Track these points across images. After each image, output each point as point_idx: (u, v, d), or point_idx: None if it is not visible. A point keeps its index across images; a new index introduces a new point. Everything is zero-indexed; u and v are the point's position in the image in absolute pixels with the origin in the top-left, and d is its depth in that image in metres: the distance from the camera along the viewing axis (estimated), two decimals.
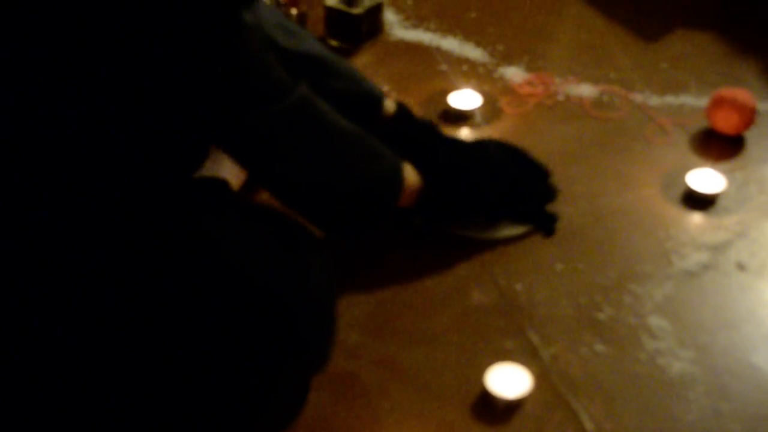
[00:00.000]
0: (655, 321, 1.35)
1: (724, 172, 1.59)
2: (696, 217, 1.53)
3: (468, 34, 2.01)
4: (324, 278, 1.17)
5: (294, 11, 1.85)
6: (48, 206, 0.99)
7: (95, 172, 1.01)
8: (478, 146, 1.52)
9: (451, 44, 1.98)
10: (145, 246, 1.03)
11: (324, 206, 1.24)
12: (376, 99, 1.49)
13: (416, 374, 1.28)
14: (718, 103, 1.68)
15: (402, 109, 1.51)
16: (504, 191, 1.45)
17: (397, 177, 1.29)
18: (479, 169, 1.45)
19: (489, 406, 1.23)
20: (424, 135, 1.48)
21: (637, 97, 1.81)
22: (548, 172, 1.55)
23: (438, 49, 1.97)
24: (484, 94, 1.79)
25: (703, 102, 1.77)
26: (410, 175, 1.33)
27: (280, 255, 1.12)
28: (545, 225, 1.51)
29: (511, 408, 1.23)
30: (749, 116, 1.67)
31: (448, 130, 1.72)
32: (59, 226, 1.00)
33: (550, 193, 1.54)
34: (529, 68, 1.90)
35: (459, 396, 1.25)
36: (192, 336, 1.03)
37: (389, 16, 2.06)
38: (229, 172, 1.41)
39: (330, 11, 1.93)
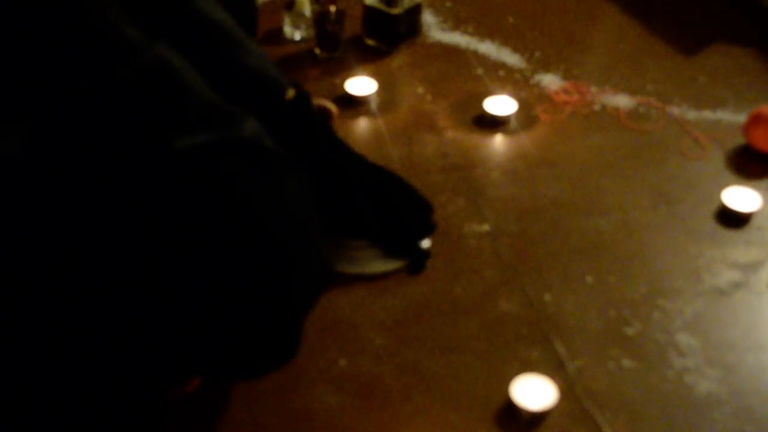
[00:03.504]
0: (683, 338, 1.34)
1: (760, 190, 1.57)
2: (729, 235, 1.52)
3: (505, 39, 2.01)
4: (298, 196, 1.10)
5: (333, 8, 1.84)
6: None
7: None
8: (366, 165, 1.47)
9: (488, 49, 1.98)
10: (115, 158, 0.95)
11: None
12: (282, 85, 1.36)
13: (440, 381, 1.28)
14: (756, 120, 1.67)
15: (302, 95, 1.38)
16: (375, 214, 1.42)
17: None
18: (355, 183, 1.41)
19: (512, 417, 1.23)
20: (315, 131, 1.40)
21: (674, 111, 1.80)
22: (430, 207, 1.50)
23: (475, 53, 1.96)
24: (520, 100, 1.79)
25: (740, 118, 1.75)
26: None
27: (251, 172, 1.04)
28: (416, 261, 1.45)
29: (535, 420, 1.22)
30: None
31: (484, 135, 1.72)
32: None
33: (426, 228, 1.49)
34: (566, 76, 1.89)
35: (483, 405, 1.24)
36: (166, 257, 0.97)
37: (427, 18, 2.05)
38: None
39: (368, 10, 1.92)
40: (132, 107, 0.95)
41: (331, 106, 1.59)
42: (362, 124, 1.75)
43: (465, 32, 2.03)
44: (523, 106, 1.78)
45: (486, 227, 1.52)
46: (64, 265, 0.95)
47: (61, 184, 0.94)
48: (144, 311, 0.99)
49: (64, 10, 0.89)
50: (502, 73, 1.90)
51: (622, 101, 1.83)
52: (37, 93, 0.92)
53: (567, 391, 1.26)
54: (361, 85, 1.80)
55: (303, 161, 1.19)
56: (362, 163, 1.49)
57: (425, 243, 1.47)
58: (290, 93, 1.36)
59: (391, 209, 1.45)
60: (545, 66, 1.92)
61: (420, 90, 1.84)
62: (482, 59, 1.94)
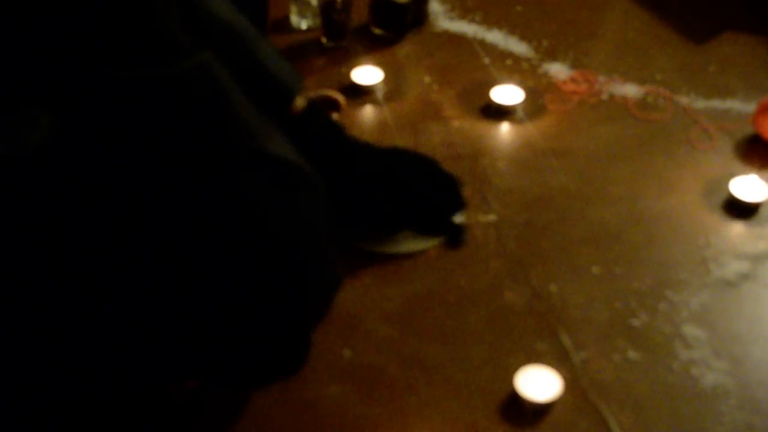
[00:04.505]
0: (690, 330, 1.33)
1: None
2: (737, 226, 1.51)
3: (513, 28, 1.99)
4: (312, 207, 1.08)
5: None
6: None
7: None
8: (385, 154, 1.47)
9: (495, 37, 1.96)
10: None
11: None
12: (291, 88, 1.34)
13: (444, 372, 1.27)
14: (765, 109, 1.65)
15: (312, 105, 1.38)
16: (406, 203, 1.43)
17: None
18: (380, 179, 1.41)
19: (517, 409, 1.22)
20: (331, 137, 1.41)
21: (683, 100, 1.78)
22: (458, 182, 1.51)
23: (482, 42, 1.95)
24: (527, 89, 1.78)
25: (750, 107, 1.74)
26: None
27: (269, 184, 1.02)
28: (452, 237, 1.47)
29: (540, 411, 1.22)
30: None
31: (490, 125, 1.71)
32: None
33: (456, 204, 1.50)
34: (574, 65, 1.88)
35: (487, 396, 1.24)
36: (181, 259, 0.96)
37: (434, 7, 2.04)
38: None
39: (376, 0, 1.91)
40: (169, 109, 0.92)
41: (339, 97, 1.59)
42: (368, 114, 1.74)
43: (472, 21, 2.01)
44: (531, 95, 1.77)
45: (492, 217, 1.51)
46: (75, 262, 0.94)
47: (81, 181, 0.92)
48: (155, 315, 0.99)
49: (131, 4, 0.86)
50: (509, 62, 1.89)
51: (631, 90, 1.81)
52: (70, 79, 0.88)
53: (572, 382, 1.25)
54: (367, 74, 1.79)
55: (318, 170, 1.15)
56: (382, 154, 1.48)
57: (458, 218, 1.49)
58: (299, 102, 1.35)
59: (419, 194, 1.45)
60: (553, 55, 1.91)
61: (426, 79, 1.83)
62: (489, 48, 1.93)
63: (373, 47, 1.92)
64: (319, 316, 1.15)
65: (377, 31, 1.94)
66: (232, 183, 0.98)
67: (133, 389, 1.10)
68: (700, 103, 1.78)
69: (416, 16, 1.95)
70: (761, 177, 1.56)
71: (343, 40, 1.91)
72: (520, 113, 1.74)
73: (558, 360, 1.28)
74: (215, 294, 0.99)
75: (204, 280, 0.98)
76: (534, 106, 1.76)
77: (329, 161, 1.35)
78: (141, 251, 0.95)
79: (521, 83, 1.79)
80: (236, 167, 0.98)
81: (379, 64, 1.84)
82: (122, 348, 1.01)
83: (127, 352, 1.01)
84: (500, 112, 1.74)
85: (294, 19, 1.96)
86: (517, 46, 1.94)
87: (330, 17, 1.87)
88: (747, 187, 1.53)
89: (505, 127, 1.71)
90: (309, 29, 1.95)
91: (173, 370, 1.10)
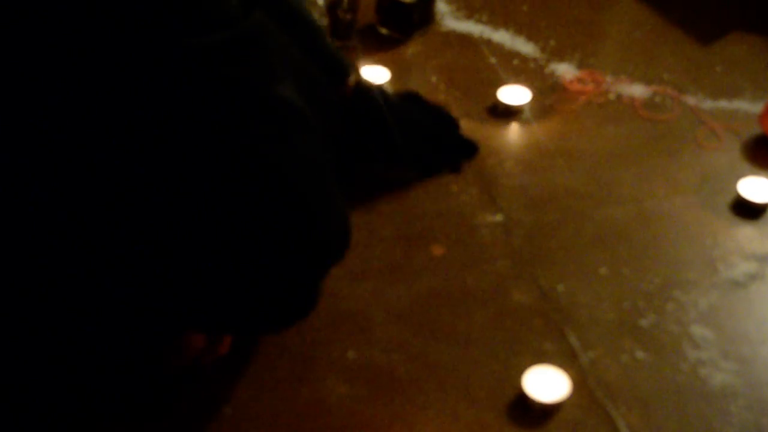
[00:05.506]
0: (698, 330, 1.33)
1: None
2: (745, 226, 1.50)
3: (519, 27, 1.99)
4: (311, 152, 1.09)
5: None
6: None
7: None
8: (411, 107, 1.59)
9: (502, 37, 1.96)
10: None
11: None
12: (347, 66, 1.42)
13: (452, 372, 1.27)
14: None
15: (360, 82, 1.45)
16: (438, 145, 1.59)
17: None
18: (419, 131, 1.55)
19: (525, 409, 1.22)
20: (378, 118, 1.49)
21: (690, 100, 1.78)
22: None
23: (489, 41, 1.95)
24: (534, 89, 1.77)
25: (757, 108, 1.73)
26: None
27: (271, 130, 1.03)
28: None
29: (547, 412, 1.21)
30: None
31: (497, 125, 1.71)
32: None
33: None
34: (581, 65, 1.87)
35: (494, 396, 1.24)
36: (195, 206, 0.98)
37: (441, 7, 2.04)
38: None
39: (382, 0, 1.91)
40: (227, 71, 0.95)
41: None
42: None
43: (479, 21, 2.01)
44: (538, 95, 1.77)
45: (499, 217, 1.51)
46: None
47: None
48: (164, 255, 0.99)
49: None
50: (516, 62, 1.88)
51: (638, 90, 1.81)
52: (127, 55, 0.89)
53: (580, 382, 1.25)
54: (374, 74, 1.79)
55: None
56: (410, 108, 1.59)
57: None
58: (353, 78, 1.42)
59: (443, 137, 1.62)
60: (560, 55, 1.91)
61: (433, 79, 1.82)
62: (496, 48, 1.93)
63: (379, 47, 1.92)
64: (330, 258, 1.14)
65: (384, 30, 1.94)
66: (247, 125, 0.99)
67: (140, 341, 1.10)
68: (708, 104, 1.77)
69: (423, 16, 1.95)
70: None
71: (349, 40, 1.90)
72: (527, 113, 1.74)
73: (565, 360, 1.28)
74: (224, 231, 0.99)
75: (213, 217, 0.98)
76: (541, 106, 1.76)
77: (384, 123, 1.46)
78: (151, 188, 0.95)
79: (528, 83, 1.79)
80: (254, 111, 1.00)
81: (385, 63, 1.83)
82: (130, 291, 1.01)
83: (134, 296, 1.01)
84: (507, 112, 1.73)
85: None
86: (524, 46, 1.93)
87: (336, 17, 1.86)
88: (755, 187, 1.53)
89: (512, 127, 1.71)
90: None
91: (182, 315, 1.09)
